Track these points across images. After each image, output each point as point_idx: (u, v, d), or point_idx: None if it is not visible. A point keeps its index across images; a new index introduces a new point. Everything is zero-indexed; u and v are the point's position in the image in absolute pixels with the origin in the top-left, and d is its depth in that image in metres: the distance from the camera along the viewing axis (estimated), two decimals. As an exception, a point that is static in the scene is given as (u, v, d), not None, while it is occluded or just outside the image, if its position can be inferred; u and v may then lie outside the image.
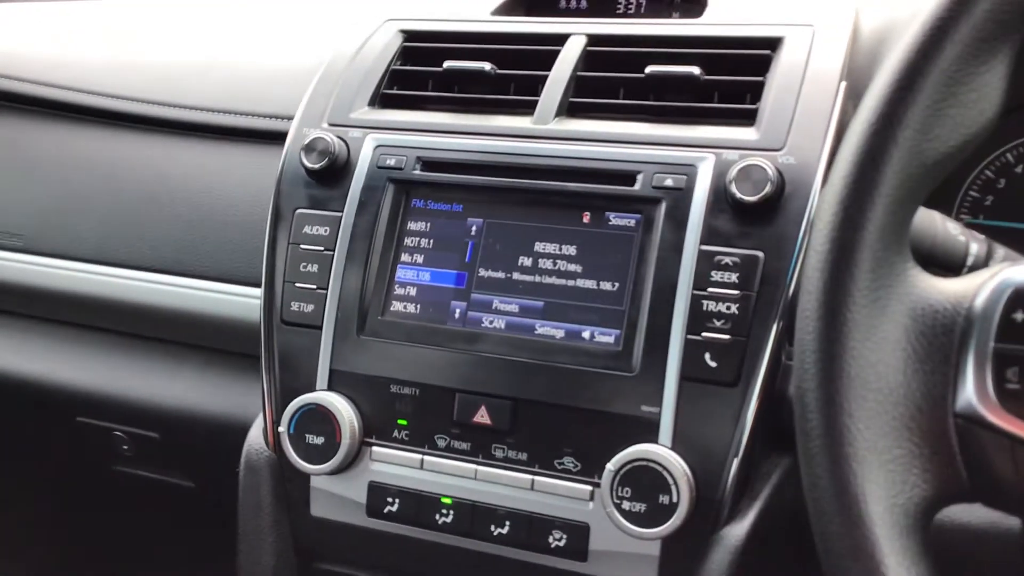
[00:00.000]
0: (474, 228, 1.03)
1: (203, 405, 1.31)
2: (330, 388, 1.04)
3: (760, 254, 0.92)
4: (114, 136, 1.39)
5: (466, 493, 1.00)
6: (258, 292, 1.11)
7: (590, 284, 0.98)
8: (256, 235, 1.18)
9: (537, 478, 0.98)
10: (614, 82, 1.07)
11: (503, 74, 1.11)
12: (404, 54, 1.18)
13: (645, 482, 0.91)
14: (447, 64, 1.12)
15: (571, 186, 1.01)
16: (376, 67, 1.16)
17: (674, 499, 0.91)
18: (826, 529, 0.67)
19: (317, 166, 1.07)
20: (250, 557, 1.14)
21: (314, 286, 1.06)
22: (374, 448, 1.03)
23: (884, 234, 0.68)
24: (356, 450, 1.03)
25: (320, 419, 1.02)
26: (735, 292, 0.92)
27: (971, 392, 0.66)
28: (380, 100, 1.15)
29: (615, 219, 0.99)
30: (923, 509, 0.67)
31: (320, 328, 1.05)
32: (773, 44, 1.04)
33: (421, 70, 1.15)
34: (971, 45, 0.67)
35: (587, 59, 1.10)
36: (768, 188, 0.92)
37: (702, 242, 0.94)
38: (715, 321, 0.92)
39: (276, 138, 1.19)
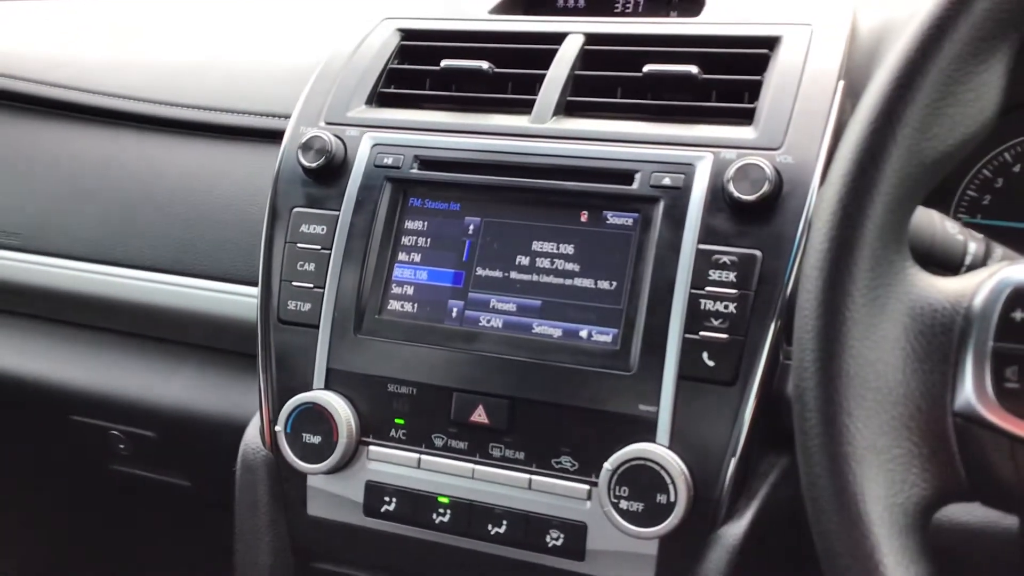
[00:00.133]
0: (471, 227, 1.03)
1: (200, 404, 1.31)
2: (327, 387, 1.04)
3: (758, 253, 0.92)
4: (111, 135, 1.39)
5: (463, 492, 1.00)
6: (255, 291, 1.11)
7: (588, 283, 0.98)
8: (253, 234, 1.18)
9: (534, 477, 0.97)
10: (612, 81, 1.07)
11: (501, 73, 1.11)
12: (402, 53, 1.18)
13: (643, 481, 0.91)
14: (445, 63, 1.11)
15: (569, 185, 1.00)
16: (373, 66, 1.16)
17: (671, 498, 0.91)
18: (825, 528, 0.67)
19: (314, 165, 1.07)
20: (247, 556, 1.13)
21: (311, 285, 1.06)
22: (371, 447, 1.03)
23: (883, 233, 0.68)
24: (353, 449, 1.02)
25: (317, 418, 1.02)
26: (733, 291, 0.92)
27: (970, 391, 0.66)
28: (377, 99, 1.15)
29: (613, 218, 0.99)
30: (922, 508, 0.67)
31: (317, 327, 1.05)
32: (771, 43, 1.04)
33: (419, 69, 1.15)
34: (970, 44, 0.67)
35: (585, 58, 1.10)
36: (766, 187, 0.92)
37: (700, 241, 0.94)
38: (713, 320, 0.92)
39: (273, 137, 1.19)
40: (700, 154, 0.97)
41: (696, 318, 0.93)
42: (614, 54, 1.09)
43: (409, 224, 1.05)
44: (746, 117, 0.99)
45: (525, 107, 1.06)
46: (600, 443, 0.94)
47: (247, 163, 1.28)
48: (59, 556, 1.84)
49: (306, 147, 1.08)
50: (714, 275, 0.93)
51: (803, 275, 0.70)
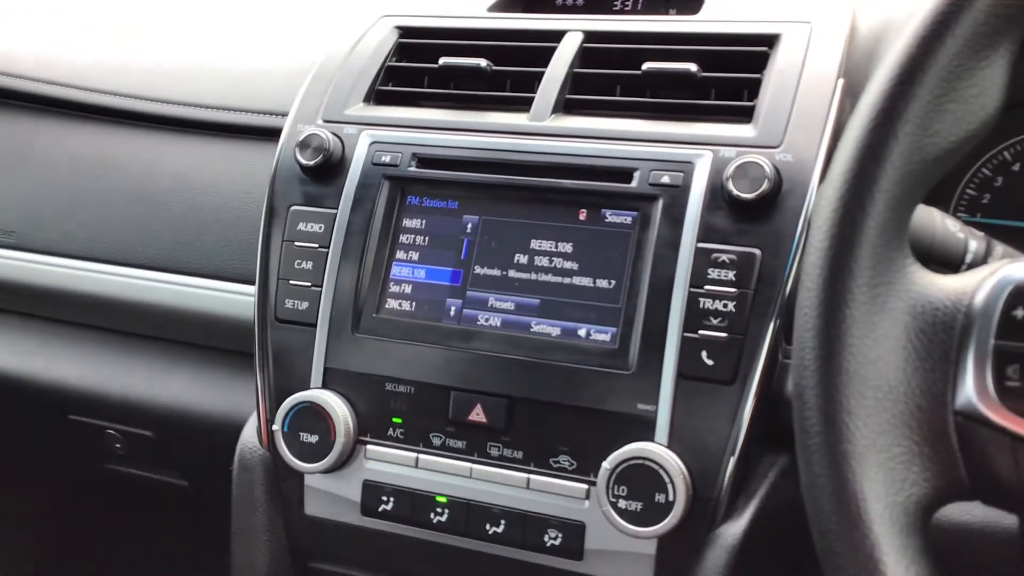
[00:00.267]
0: (470, 225, 1.03)
1: (197, 403, 1.30)
2: (324, 386, 1.04)
3: (757, 251, 0.92)
4: (108, 133, 1.39)
5: (461, 492, 1.00)
6: (252, 289, 1.10)
7: (586, 282, 0.98)
8: (250, 232, 1.17)
9: (533, 477, 0.97)
10: (611, 79, 1.07)
11: (499, 70, 1.10)
12: (400, 50, 1.17)
13: (641, 481, 0.91)
14: (443, 60, 1.11)
15: (567, 183, 1.00)
16: (371, 63, 1.15)
17: (670, 498, 0.90)
18: (825, 528, 0.67)
19: (312, 163, 1.07)
20: (244, 556, 1.13)
21: (308, 283, 1.06)
22: (369, 446, 1.03)
23: (884, 230, 0.67)
24: (351, 448, 1.02)
25: (314, 417, 1.02)
26: (732, 290, 0.92)
27: (971, 389, 0.66)
28: (375, 96, 1.14)
29: (611, 216, 0.98)
30: (922, 507, 0.67)
31: (314, 326, 1.05)
32: (770, 41, 1.04)
33: (417, 66, 1.15)
34: (972, 39, 0.67)
35: (584, 56, 1.09)
36: (765, 185, 0.92)
37: (699, 239, 0.94)
38: (712, 319, 0.92)
39: (270, 135, 1.19)
40: (699, 152, 0.97)
41: (695, 317, 0.92)
42: (613, 52, 1.09)
43: (407, 222, 1.05)
44: (745, 115, 0.99)
45: (524, 105, 1.06)
46: (598, 442, 0.94)
47: (244, 161, 1.28)
48: (55, 555, 1.84)
49: (303, 145, 1.07)
50: (713, 274, 0.92)
51: (803, 273, 0.69)
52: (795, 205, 0.92)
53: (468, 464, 0.99)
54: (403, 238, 1.05)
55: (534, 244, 1.00)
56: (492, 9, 1.20)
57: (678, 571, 0.94)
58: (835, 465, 0.66)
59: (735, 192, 0.92)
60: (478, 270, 1.01)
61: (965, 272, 0.71)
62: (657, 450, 0.91)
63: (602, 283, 0.97)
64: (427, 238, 1.04)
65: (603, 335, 0.96)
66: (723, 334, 0.91)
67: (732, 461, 0.91)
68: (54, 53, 1.48)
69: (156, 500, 1.62)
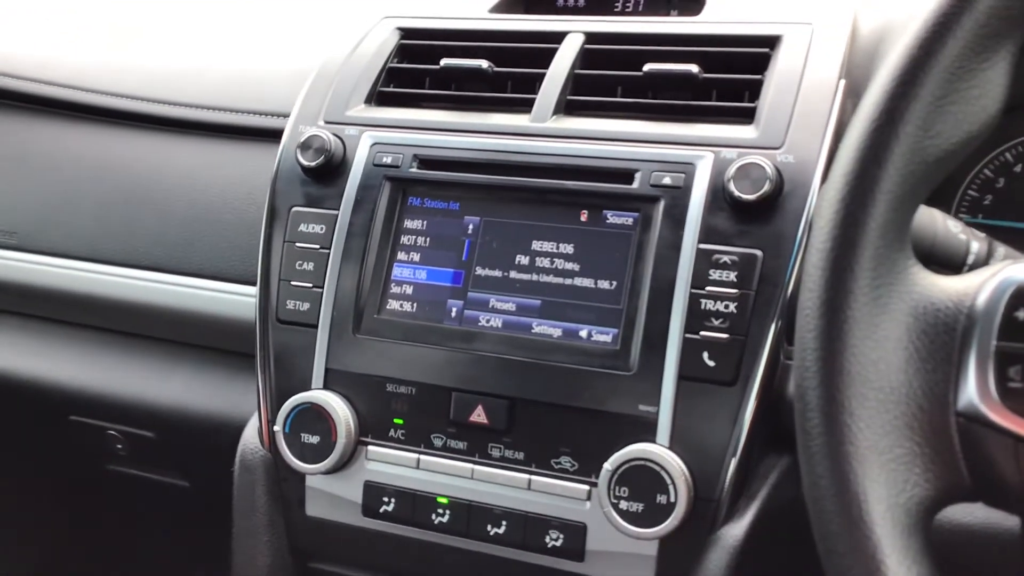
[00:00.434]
0: (471, 226, 1.03)
1: (198, 404, 1.30)
2: (326, 387, 1.04)
3: (759, 252, 0.92)
4: (109, 133, 1.39)
5: (462, 493, 1.00)
6: (253, 290, 1.10)
7: (587, 283, 0.98)
8: (251, 233, 1.17)
9: (534, 478, 0.97)
10: (612, 80, 1.07)
11: (501, 72, 1.10)
12: (401, 52, 1.17)
13: (642, 482, 0.91)
14: (444, 62, 1.11)
15: (569, 184, 1.00)
16: (373, 65, 1.15)
17: (671, 499, 0.90)
18: (826, 529, 0.67)
19: (313, 164, 1.07)
20: (245, 557, 1.13)
21: (310, 284, 1.06)
22: (370, 447, 1.03)
23: (886, 231, 0.67)
24: (352, 449, 1.02)
25: (316, 418, 1.02)
26: (733, 291, 0.92)
27: (973, 391, 0.65)
28: (377, 98, 1.14)
29: (613, 217, 0.98)
30: (924, 509, 0.66)
31: (316, 327, 1.05)
32: (771, 42, 1.04)
33: (418, 68, 1.15)
34: (974, 40, 0.67)
35: (585, 57, 1.09)
36: (767, 186, 0.92)
37: (700, 240, 0.94)
38: (713, 320, 0.92)
39: (272, 136, 1.19)
40: (700, 153, 0.97)
41: (696, 318, 0.92)
42: (614, 53, 1.09)
43: (408, 223, 1.05)
44: (747, 116, 0.99)
45: (525, 106, 1.06)
46: (600, 443, 0.94)
47: (246, 162, 1.28)
48: (57, 556, 1.84)
49: (305, 146, 1.07)
50: (715, 275, 0.92)
51: (805, 274, 0.69)
52: (796, 206, 0.92)
53: (469, 465, 0.99)
54: (404, 239, 1.05)
55: (535, 245, 1.00)
56: (493, 10, 1.20)
57: (679, 572, 0.94)
58: (837, 466, 0.66)
59: (736, 193, 0.92)
60: (479, 271, 1.01)
61: (967, 273, 0.71)
62: (658, 451, 0.91)
63: (603, 284, 0.97)
64: (428, 239, 1.04)
65: (604, 336, 0.96)
66: (724, 335, 0.91)
67: (733, 462, 0.91)
68: (54, 54, 1.48)
69: (157, 501, 1.62)
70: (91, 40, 1.53)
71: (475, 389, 0.99)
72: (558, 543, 0.96)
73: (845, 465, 0.65)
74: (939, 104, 0.67)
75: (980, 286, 0.68)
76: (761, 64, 1.03)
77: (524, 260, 1.00)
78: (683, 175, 0.96)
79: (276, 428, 1.04)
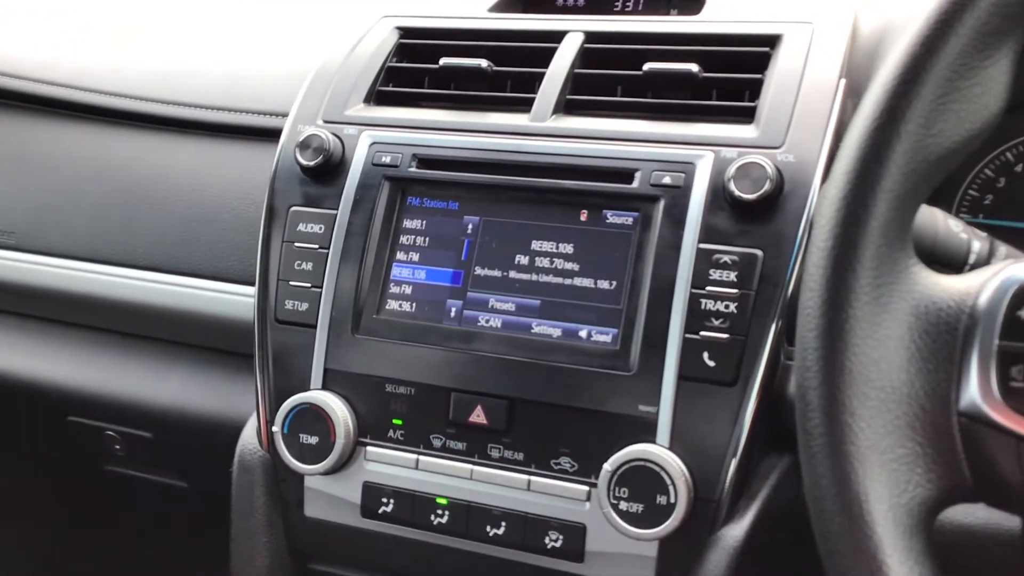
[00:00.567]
0: (470, 226, 1.03)
1: (196, 404, 1.30)
2: (324, 387, 1.04)
3: (759, 252, 0.92)
4: (107, 133, 1.38)
5: (461, 493, 0.99)
6: (252, 290, 1.10)
7: (587, 283, 0.98)
8: (250, 233, 1.17)
9: (533, 478, 0.97)
10: (612, 79, 1.07)
11: (500, 71, 1.10)
12: (400, 51, 1.17)
13: (642, 482, 0.91)
14: (443, 61, 1.11)
15: (568, 184, 1.00)
16: (372, 64, 1.15)
17: (671, 499, 0.90)
18: (827, 529, 0.67)
19: (312, 163, 1.07)
20: (243, 558, 1.13)
21: (308, 284, 1.05)
22: (369, 448, 1.02)
23: (887, 230, 0.67)
24: (351, 450, 1.02)
25: (314, 419, 1.02)
26: (734, 291, 0.91)
27: (975, 390, 0.65)
28: (376, 97, 1.14)
29: (613, 217, 0.98)
30: (926, 509, 0.66)
31: (314, 327, 1.04)
32: (772, 41, 1.04)
33: (417, 67, 1.15)
34: (975, 38, 0.67)
35: (584, 56, 1.09)
36: (767, 186, 0.91)
37: (700, 240, 0.93)
38: (713, 320, 0.92)
39: (270, 135, 1.19)
40: (701, 153, 0.96)
41: (696, 318, 0.92)
42: (614, 52, 1.08)
43: (407, 223, 1.05)
44: (747, 116, 0.99)
45: (524, 105, 1.06)
46: (600, 444, 0.94)
47: (244, 162, 1.28)
48: (55, 557, 1.83)
49: (304, 146, 1.07)
50: (715, 274, 0.92)
51: (806, 273, 0.69)
52: (797, 206, 0.92)
53: (468, 466, 0.99)
54: (403, 239, 1.04)
55: (535, 245, 1.00)
56: (493, 9, 1.20)
57: (679, 573, 0.94)
58: (838, 466, 0.65)
59: (737, 193, 0.92)
60: (479, 271, 1.01)
61: (969, 273, 0.71)
62: (658, 452, 0.91)
63: (603, 284, 0.97)
64: (427, 239, 1.04)
65: (604, 336, 0.96)
66: (725, 335, 0.91)
67: (734, 463, 0.91)
68: (54, 54, 1.48)
69: (156, 501, 1.62)
70: (91, 40, 1.52)
71: (474, 389, 0.98)
72: (557, 544, 0.96)
73: (846, 465, 0.65)
74: (941, 102, 0.67)
75: (982, 285, 0.67)
76: (761, 63, 1.02)
77: (523, 260, 1.00)
78: (683, 175, 0.96)
79: (275, 429, 1.03)
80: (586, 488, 0.95)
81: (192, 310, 1.26)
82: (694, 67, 1.02)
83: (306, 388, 1.04)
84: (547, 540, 0.97)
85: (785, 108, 0.97)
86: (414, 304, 1.03)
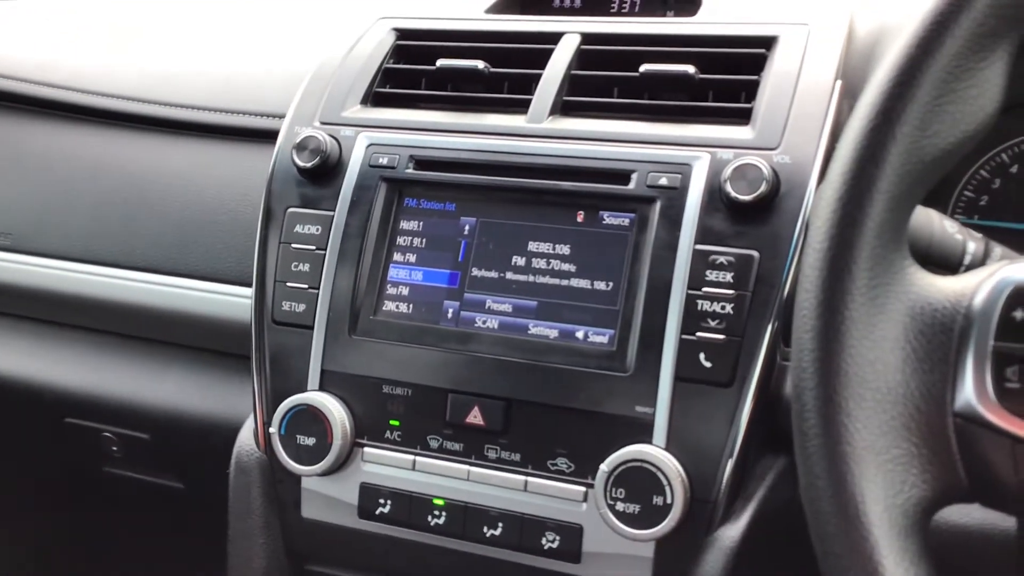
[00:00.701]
0: (467, 227, 1.03)
1: (193, 406, 1.30)
2: (321, 388, 1.04)
3: (755, 253, 0.92)
4: (104, 134, 1.38)
5: (459, 494, 0.99)
6: (249, 292, 1.10)
7: (584, 284, 0.98)
8: (247, 234, 1.17)
9: (530, 479, 0.97)
10: (608, 81, 1.07)
11: (497, 72, 1.10)
12: (397, 52, 1.17)
13: (639, 483, 0.91)
14: (440, 62, 1.11)
15: (565, 185, 1.00)
16: (369, 65, 1.15)
17: (668, 500, 0.90)
18: (823, 530, 0.67)
19: (309, 165, 1.07)
20: (240, 559, 1.13)
21: (305, 286, 1.05)
22: (366, 449, 1.02)
23: (883, 231, 0.67)
24: (348, 451, 1.02)
25: (311, 420, 1.02)
26: (730, 292, 0.92)
27: (970, 391, 0.65)
28: (373, 98, 1.14)
29: (609, 218, 0.98)
30: (922, 510, 0.66)
31: (311, 328, 1.04)
32: (768, 43, 1.04)
33: (414, 68, 1.15)
34: (971, 40, 0.67)
35: (581, 58, 1.09)
36: (763, 187, 0.91)
37: (697, 241, 0.93)
38: (710, 321, 0.92)
39: (267, 137, 1.19)
40: (697, 154, 0.96)
41: (693, 319, 0.92)
42: (610, 54, 1.08)
43: (404, 224, 1.05)
44: (743, 117, 0.99)
45: (521, 107, 1.06)
46: (596, 445, 0.94)
47: (241, 163, 1.28)
48: (52, 558, 1.83)
49: (301, 147, 1.07)
50: (711, 275, 0.92)
51: (802, 274, 0.69)
52: (793, 207, 0.92)
53: (465, 466, 0.99)
54: (400, 240, 1.04)
55: (531, 246, 1.00)
56: (489, 11, 1.20)
57: (676, 574, 0.94)
58: (834, 467, 0.65)
59: (733, 194, 0.92)
60: (475, 272, 1.01)
61: (964, 273, 0.71)
62: (655, 452, 0.91)
63: (600, 285, 0.97)
64: (424, 240, 1.04)
65: (601, 337, 0.96)
66: (721, 336, 0.91)
67: (730, 463, 0.91)
68: (51, 55, 1.48)
69: (153, 503, 1.61)
70: (91, 40, 1.52)
71: (471, 390, 0.99)
72: (554, 545, 0.96)
73: (842, 466, 0.65)
74: (936, 104, 0.67)
75: (977, 286, 0.67)
76: (757, 65, 1.02)
77: (520, 261, 1.00)
78: (679, 176, 0.96)
79: (272, 430, 1.03)
80: (583, 489, 0.95)
81: (189, 311, 1.26)
82: (690, 68, 1.02)
83: (303, 389, 1.04)
84: (544, 541, 0.97)
85: (781, 110, 0.97)
86: (411, 305, 1.03)
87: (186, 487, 1.48)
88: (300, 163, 1.07)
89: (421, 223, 1.04)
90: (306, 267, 1.05)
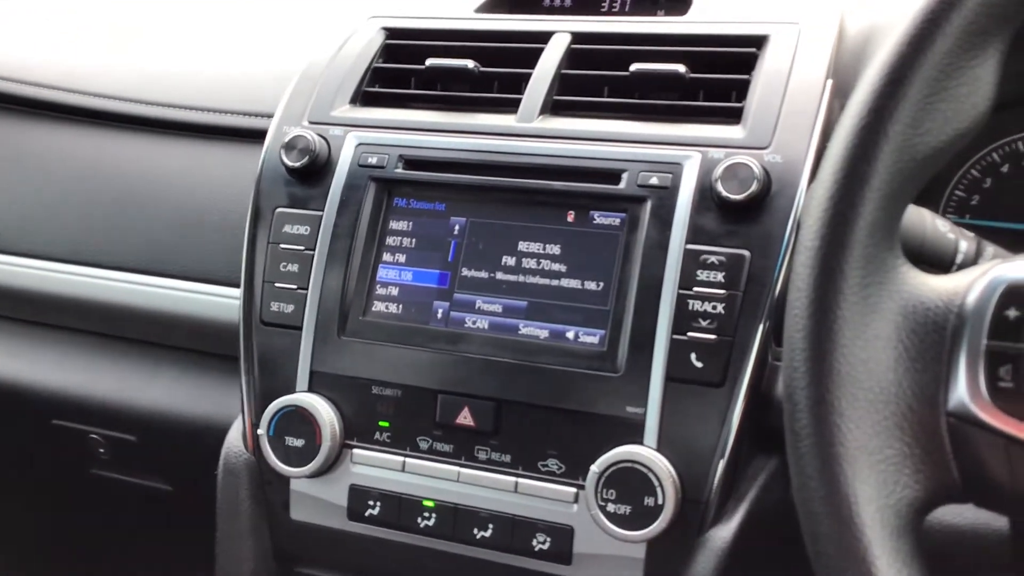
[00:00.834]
0: (457, 227, 1.02)
1: (181, 407, 1.29)
2: (310, 389, 1.03)
3: (746, 253, 0.92)
4: (93, 135, 1.38)
5: (449, 496, 0.99)
6: (237, 292, 1.09)
7: (574, 284, 0.97)
8: (235, 234, 1.16)
9: (521, 480, 0.96)
10: (599, 80, 1.07)
11: (487, 72, 1.10)
12: (386, 52, 1.17)
13: (630, 484, 0.90)
14: (430, 62, 1.10)
15: (555, 185, 1.00)
16: (358, 65, 1.15)
17: (659, 501, 0.90)
18: (816, 531, 0.66)
19: (297, 164, 1.06)
20: (228, 561, 1.12)
21: (294, 286, 1.05)
22: (355, 450, 1.02)
23: (875, 230, 0.67)
24: (337, 452, 1.01)
25: (300, 421, 1.01)
26: (721, 291, 0.91)
27: (963, 390, 0.65)
28: (362, 98, 1.13)
29: (600, 218, 0.98)
30: (915, 510, 0.66)
31: (300, 329, 1.04)
32: (758, 42, 1.03)
33: (404, 68, 1.14)
34: (962, 38, 0.67)
35: (571, 57, 1.09)
36: (754, 186, 0.91)
37: (687, 241, 0.93)
38: (701, 321, 0.91)
39: (256, 136, 1.18)
40: (688, 153, 0.96)
41: (684, 319, 0.92)
42: (601, 53, 1.08)
43: (394, 224, 1.04)
44: (734, 116, 0.99)
45: (511, 106, 1.05)
46: (587, 445, 0.93)
47: (230, 163, 1.27)
48: (39, 561, 1.82)
49: (289, 147, 1.07)
50: (702, 275, 0.92)
51: (793, 274, 0.69)
52: (784, 206, 0.92)
53: (455, 468, 0.99)
54: (390, 240, 1.04)
55: (522, 246, 1.00)
56: (479, 10, 1.20)
57: (668, 575, 0.94)
58: (826, 467, 0.65)
59: (724, 193, 0.92)
60: (465, 272, 1.01)
61: (956, 272, 0.71)
62: (646, 453, 0.91)
63: (590, 285, 0.97)
64: (414, 240, 1.03)
65: (591, 337, 0.96)
66: (712, 336, 0.91)
67: (722, 464, 0.91)
68: (45, 56, 1.47)
69: (140, 505, 1.61)
70: (91, 41, 1.51)
71: (461, 391, 0.98)
72: (545, 546, 0.96)
73: (835, 466, 0.65)
74: (928, 102, 0.67)
75: (970, 285, 0.67)
76: (748, 64, 1.02)
77: (511, 261, 1.00)
78: (670, 175, 0.96)
79: (260, 431, 1.03)
80: (574, 490, 0.95)
81: (177, 312, 1.25)
82: (681, 68, 1.02)
83: (292, 390, 1.03)
84: (535, 542, 0.96)
85: (772, 108, 0.97)
86: (400, 306, 1.02)
87: (174, 489, 1.47)
88: (288, 163, 1.06)
89: (411, 223, 1.04)
90: (295, 267, 1.05)
